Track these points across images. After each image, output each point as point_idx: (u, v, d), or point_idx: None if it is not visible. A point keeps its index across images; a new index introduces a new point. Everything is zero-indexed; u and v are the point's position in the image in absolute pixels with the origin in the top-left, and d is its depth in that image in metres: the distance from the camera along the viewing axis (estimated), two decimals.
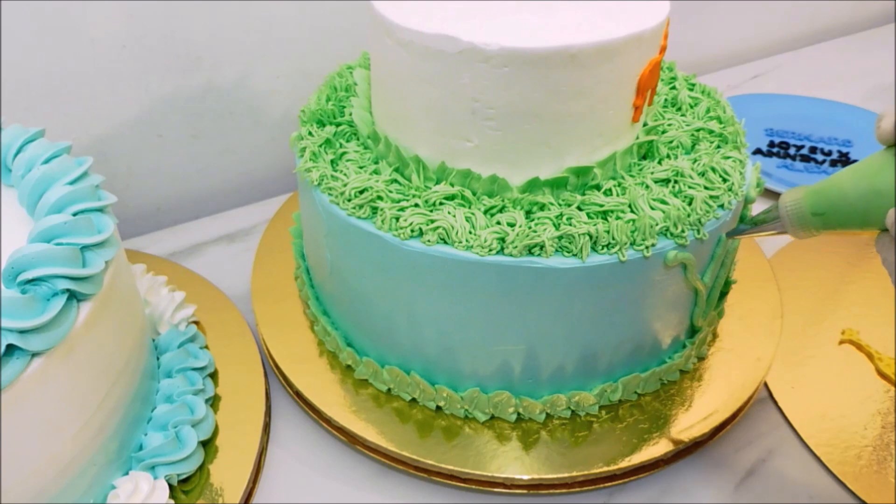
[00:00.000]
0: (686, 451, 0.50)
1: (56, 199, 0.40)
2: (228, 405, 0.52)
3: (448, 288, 0.44)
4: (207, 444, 0.49)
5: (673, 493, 0.49)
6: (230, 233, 0.72)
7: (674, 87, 0.55)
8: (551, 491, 0.48)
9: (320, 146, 0.49)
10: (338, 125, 0.51)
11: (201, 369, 0.52)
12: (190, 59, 0.69)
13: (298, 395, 0.52)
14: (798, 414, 0.54)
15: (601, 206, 0.44)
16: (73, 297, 0.39)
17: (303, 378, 0.52)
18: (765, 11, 1.06)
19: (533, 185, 0.44)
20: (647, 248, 0.43)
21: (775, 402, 0.55)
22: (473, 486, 0.48)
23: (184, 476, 0.46)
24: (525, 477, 0.47)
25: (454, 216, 0.43)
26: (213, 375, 0.53)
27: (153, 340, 0.53)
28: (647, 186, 0.46)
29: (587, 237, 0.42)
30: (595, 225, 0.42)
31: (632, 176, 0.47)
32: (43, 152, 0.44)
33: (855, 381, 0.57)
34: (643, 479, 0.49)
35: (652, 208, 0.44)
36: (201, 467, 0.47)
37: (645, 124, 0.49)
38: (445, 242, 0.43)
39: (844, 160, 0.82)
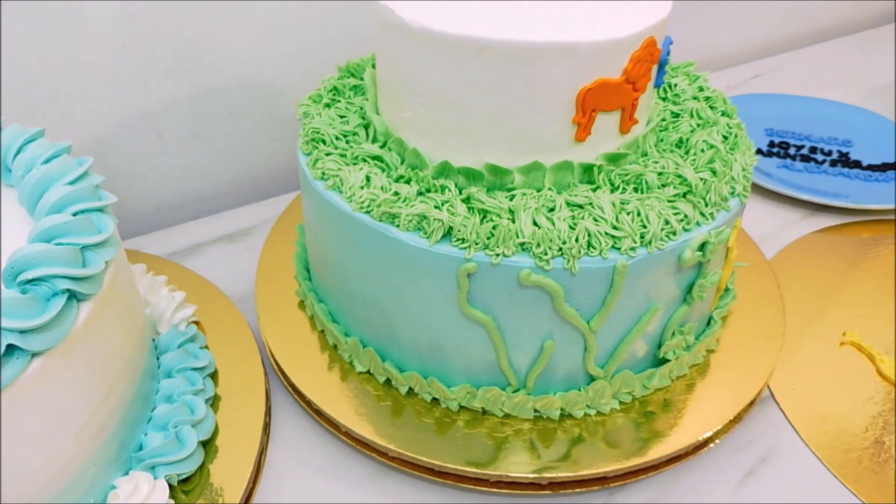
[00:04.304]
0: (686, 451, 0.50)
1: (56, 199, 0.40)
2: (228, 405, 0.52)
3: (460, 287, 0.44)
4: (207, 444, 0.49)
5: (673, 493, 0.49)
6: (230, 233, 0.72)
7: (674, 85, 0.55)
8: (551, 491, 0.48)
9: (329, 146, 0.49)
10: (343, 125, 0.51)
11: (201, 369, 0.52)
12: (190, 59, 0.69)
13: (299, 394, 0.52)
14: (799, 415, 0.54)
15: (614, 205, 0.44)
16: (73, 297, 0.39)
17: (303, 378, 0.52)
18: (765, 11, 1.06)
19: (533, 170, 0.44)
20: (651, 245, 0.43)
21: (777, 403, 0.55)
22: (474, 486, 0.48)
23: (184, 476, 0.46)
24: (526, 476, 0.47)
25: (466, 214, 0.43)
26: (213, 375, 0.53)
27: (153, 340, 0.53)
28: (649, 183, 0.46)
29: (608, 237, 0.42)
30: (612, 225, 0.42)
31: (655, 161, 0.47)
32: (43, 152, 0.44)
33: (856, 382, 0.57)
34: (643, 479, 0.49)
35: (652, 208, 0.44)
36: (201, 467, 0.47)
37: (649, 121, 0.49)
38: (458, 240, 0.43)
39: (844, 160, 0.82)
